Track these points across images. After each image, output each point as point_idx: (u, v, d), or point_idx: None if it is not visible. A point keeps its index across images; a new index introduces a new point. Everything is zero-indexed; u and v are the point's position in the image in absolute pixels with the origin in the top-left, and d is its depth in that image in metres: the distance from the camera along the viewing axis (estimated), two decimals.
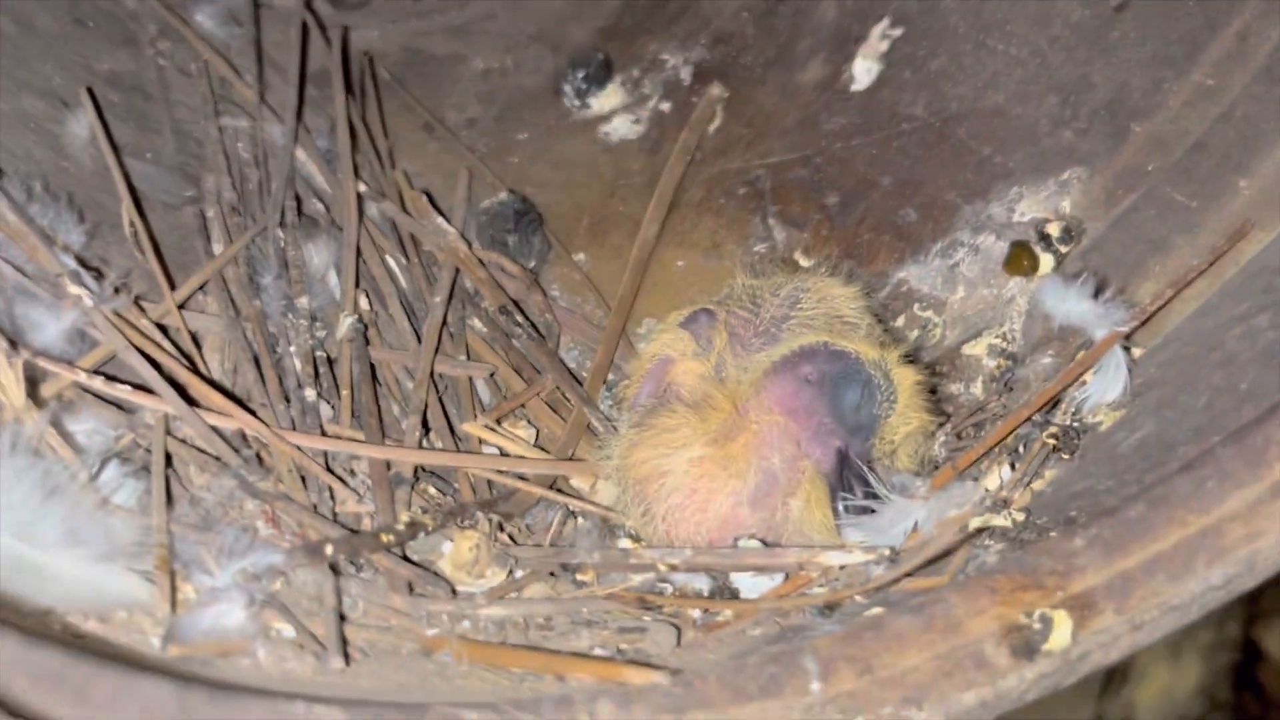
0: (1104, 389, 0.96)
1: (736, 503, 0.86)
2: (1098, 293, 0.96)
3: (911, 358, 0.94)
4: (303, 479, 0.88)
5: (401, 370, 1.09)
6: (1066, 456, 0.93)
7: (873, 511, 0.85)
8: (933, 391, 0.95)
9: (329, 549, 0.74)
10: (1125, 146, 1.13)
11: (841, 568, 0.80)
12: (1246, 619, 2.08)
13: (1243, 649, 2.08)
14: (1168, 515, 0.74)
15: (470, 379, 1.10)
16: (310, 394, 0.97)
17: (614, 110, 1.50)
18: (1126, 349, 0.97)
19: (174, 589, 0.70)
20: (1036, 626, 0.70)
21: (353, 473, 0.93)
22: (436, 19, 1.74)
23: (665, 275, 1.30)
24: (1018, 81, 1.23)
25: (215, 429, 0.87)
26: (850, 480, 0.85)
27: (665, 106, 1.49)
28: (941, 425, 1.02)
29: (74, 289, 0.87)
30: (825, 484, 0.86)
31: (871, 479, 0.85)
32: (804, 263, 1.26)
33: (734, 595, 0.84)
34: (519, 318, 1.18)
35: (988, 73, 1.26)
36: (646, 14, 1.60)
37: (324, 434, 0.93)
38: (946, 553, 0.83)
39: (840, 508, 0.85)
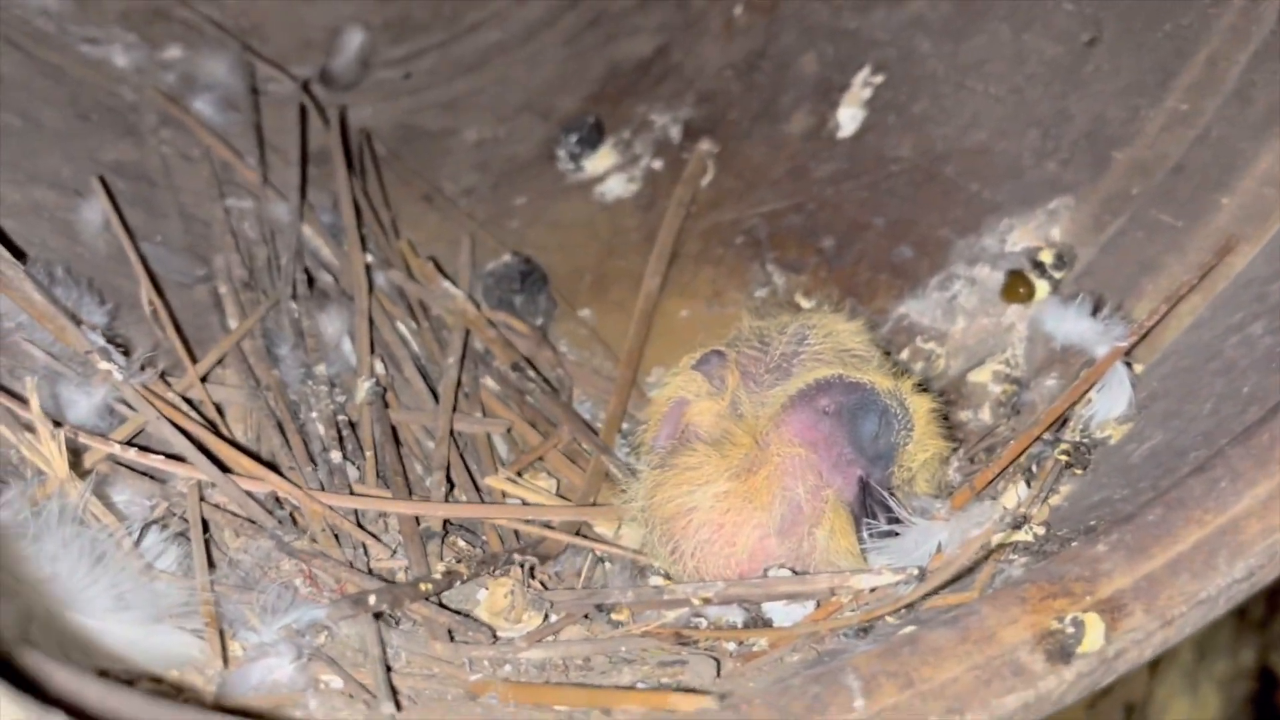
0: (1110, 405, 0.98)
1: (764, 534, 0.88)
2: (1096, 310, 0.99)
3: (924, 386, 0.96)
4: (336, 537, 0.89)
5: (421, 430, 1.11)
6: (1079, 471, 0.95)
7: (896, 535, 0.86)
8: (945, 418, 0.97)
9: (372, 599, 0.75)
10: (1108, 173, 1.17)
11: (872, 590, 0.81)
12: (1261, 647, 2.09)
13: (1259, 677, 2.08)
14: (1185, 516, 0.77)
15: (488, 435, 1.12)
16: (336, 456, 0.99)
17: (608, 171, 1.54)
18: (1128, 365, 1.00)
19: (224, 644, 0.71)
20: (1069, 630, 0.72)
21: (385, 529, 0.94)
22: (427, 95, 1.78)
23: (670, 325, 1.33)
24: (999, 119, 1.28)
25: (248, 493, 0.88)
26: (873, 507, 0.87)
27: (657, 164, 1.53)
28: (955, 451, 1.04)
29: (104, 365, 0.89)
30: (849, 512, 0.88)
31: (893, 504, 0.87)
32: (805, 304, 1.29)
33: (768, 624, 0.85)
34: (531, 374, 1.21)
35: (969, 112, 1.30)
36: (632, 79, 1.65)
37: (352, 494, 0.94)
38: (972, 569, 0.85)
39: (864, 534, 0.87)
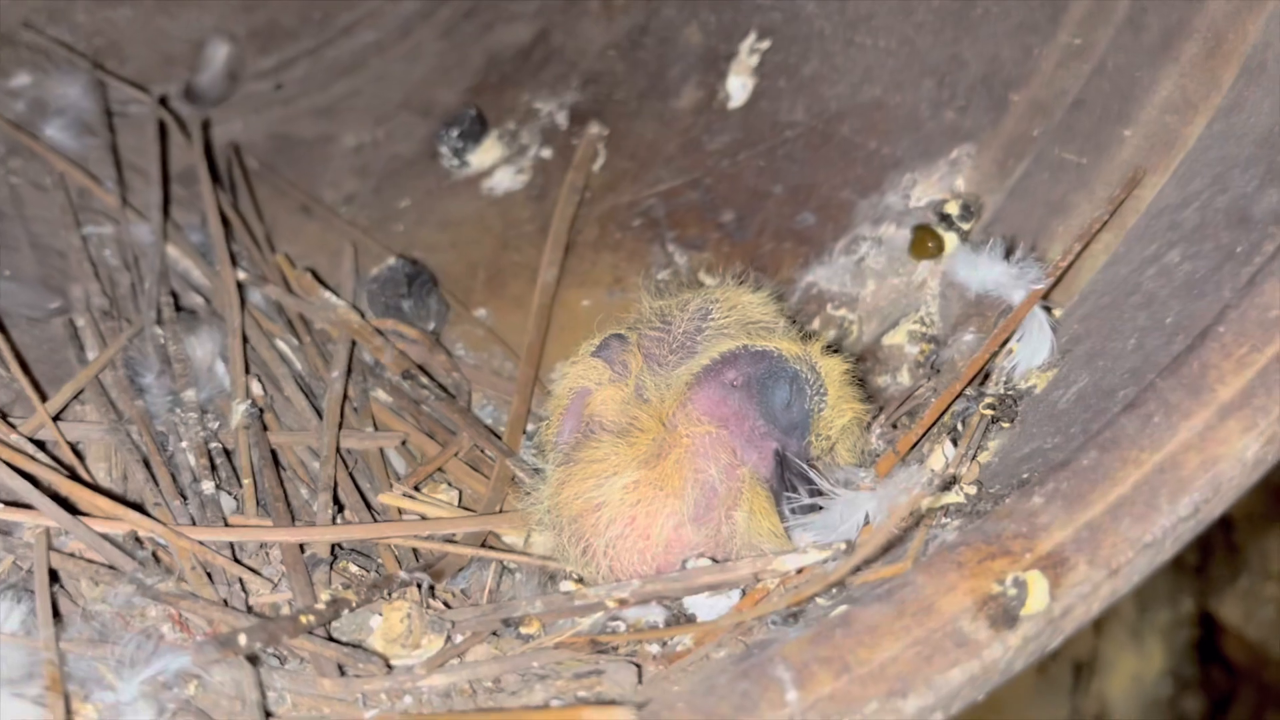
0: (1032, 353, 0.93)
1: (679, 523, 0.81)
2: (1008, 254, 0.94)
3: (835, 348, 0.90)
4: (208, 574, 0.80)
5: (306, 451, 1.02)
6: (1007, 424, 0.90)
7: (820, 509, 0.80)
8: (862, 383, 0.91)
9: (242, 638, 0.67)
10: (1007, 116, 1.13)
11: (799, 571, 0.75)
12: (1199, 593, 2.08)
13: (1201, 623, 2.07)
14: (1120, 457, 0.71)
15: (381, 450, 1.04)
16: (208, 487, 0.90)
17: (495, 164, 1.47)
18: (1047, 310, 0.95)
19: (68, 710, 0.62)
20: (1011, 593, 0.66)
21: (267, 560, 0.86)
22: (301, 103, 1.69)
23: (571, 317, 1.26)
24: (891, 71, 1.23)
25: (104, 535, 0.79)
26: (792, 481, 0.81)
27: (546, 153, 1.45)
28: (876, 416, 0.98)
29: None
30: (767, 489, 0.82)
31: (814, 476, 0.81)
32: (709, 281, 1.23)
33: (691, 620, 0.78)
34: (424, 381, 1.13)
35: (860, 68, 1.25)
36: (513, 67, 1.58)
37: (227, 525, 0.85)
38: (903, 538, 0.79)
39: (786, 511, 0.81)
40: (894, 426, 0.99)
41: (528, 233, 1.37)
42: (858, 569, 0.69)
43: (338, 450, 1.00)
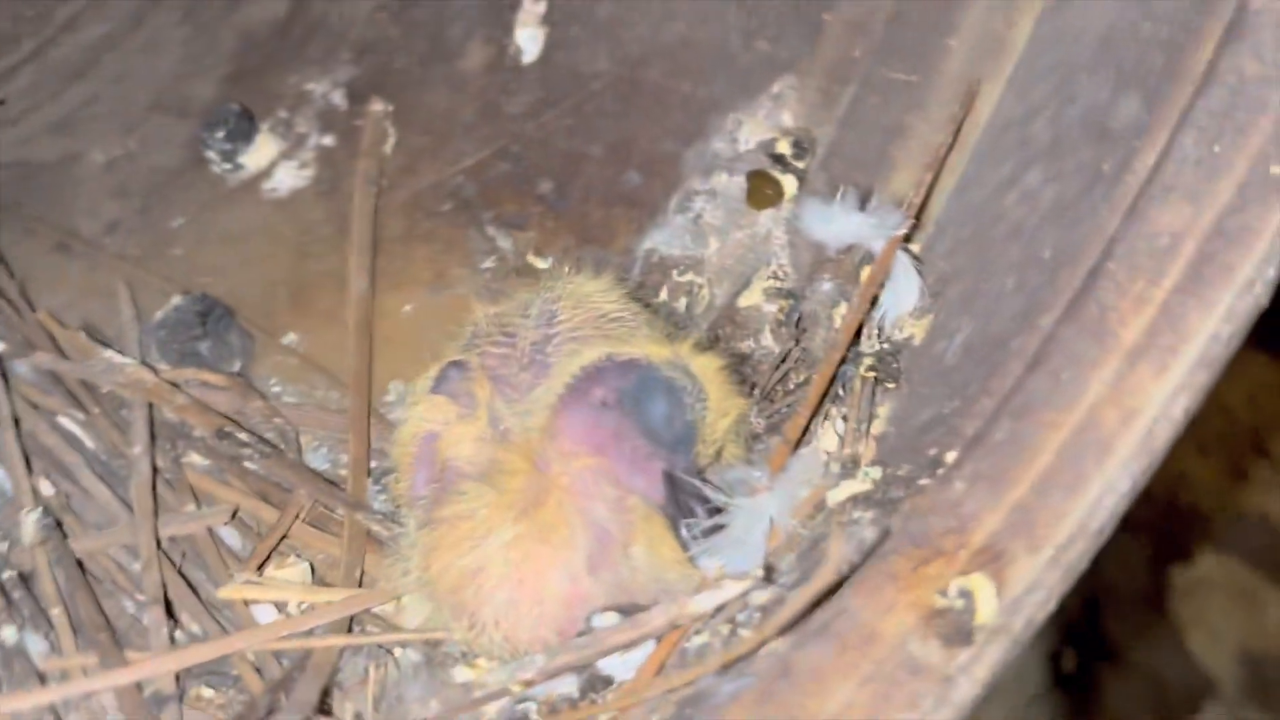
0: (898, 299, 0.88)
1: (573, 576, 0.72)
2: (863, 203, 0.87)
3: (704, 344, 0.82)
4: None
5: (121, 552, 0.88)
6: (892, 385, 0.84)
7: (722, 526, 0.73)
8: (739, 365, 0.84)
9: None
10: (823, 39, 1.06)
11: (718, 609, 0.67)
12: None
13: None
14: (1035, 423, 0.66)
15: (210, 530, 0.91)
16: (8, 633, 0.75)
17: (272, 162, 1.31)
18: (907, 248, 0.89)
19: None
20: (959, 604, 0.60)
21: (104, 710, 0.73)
22: (33, 120, 1.47)
23: (395, 326, 1.13)
24: (692, 5, 1.13)
25: None
26: (687, 502, 0.73)
27: (328, 140, 1.30)
28: (751, 392, 0.91)
29: None
30: (662, 515, 0.74)
31: (709, 493, 0.73)
32: (540, 264, 1.12)
33: (608, 682, 0.70)
34: (243, 435, 0.99)
35: (659, 5, 1.15)
36: (271, 47, 1.41)
37: (42, 680, 0.72)
38: (817, 543, 0.73)
39: (686, 536, 0.73)
40: (770, 400, 0.92)
41: (326, 236, 1.23)
42: (797, 620, 0.61)
43: (159, 545, 0.86)
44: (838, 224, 0.86)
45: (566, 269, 0.94)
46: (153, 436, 0.97)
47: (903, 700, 0.58)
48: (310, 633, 0.78)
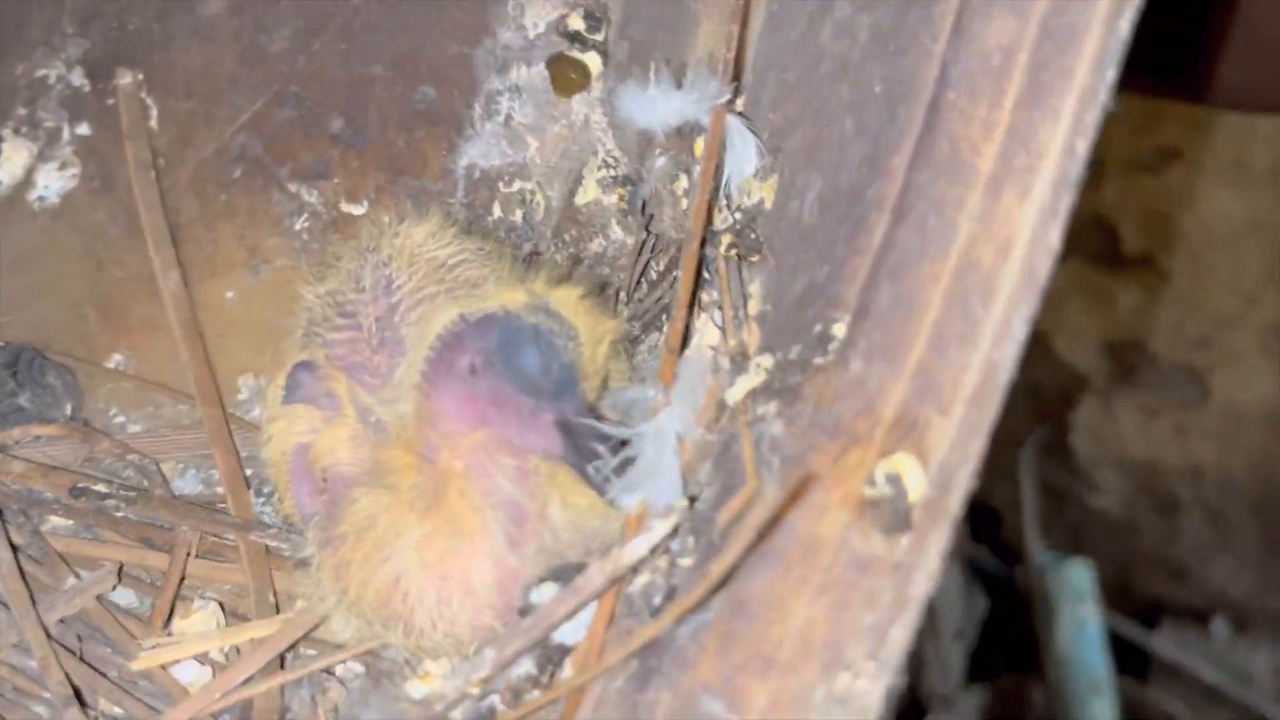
0: (737, 163, 0.84)
1: (497, 559, 0.69)
2: (679, 81, 0.82)
3: (560, 274, 0.77)
4: None
5: (13, 653, 0.81)
6: (755, 258, 0.81)
7: (632, 459, 0.70)
8: (601, 290, 0.80)
9: None
10: None
11: (653, 550, 0.65)
12: None
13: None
14: (915, 281, 0.64)
15: (99, 599, 0.84)
16: None
17: (29, 169, 1.16)
18: (730, 109, 0.84)
19: None
20: (888, 490, 0.59)
21: None
22: None
23: (223, 319, 1.05)
24: None
25: None
26: (588, 445, 0.70)
27: (83, 129, 1.17)
28: (616, 298, 0.87)
29: None
30: (567, 467, 0.71)
31: (607, 429, 0.70)
32: (356, 210, 1.05)
33: (564, 651, 0.68)
34: (99, 485, 0.92)
35: None
36: None
37: None
38: (729, 446, 0.71)
39: (598, 480, 0.70)
40: (639, 301, 0.89)
41: (115, 237, 1.11)
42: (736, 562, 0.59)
43: (48, 635, 0.80)
44: (659, 108, 0.81)
45: (387, 220, 0.87)
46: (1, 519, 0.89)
47: (860, 602, 0.57)
48: (249, 680, 0.74)
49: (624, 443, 0.70)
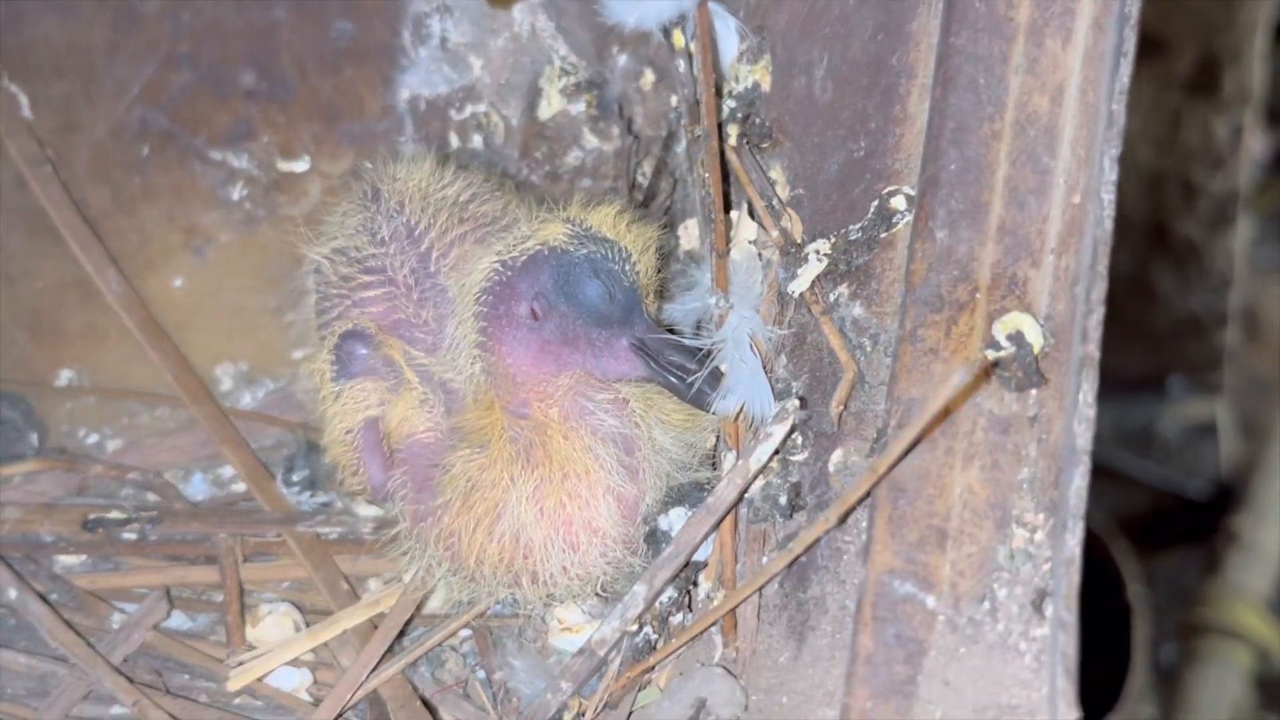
0: (720, 48, 0.82)
1: (619, 492, 0.68)
2: None
3: (588, 199, 0.73)
4: None
5: (85, 707, 0.76)
6: (766, 144, 0.80)
7: (719, 369, 0.69)
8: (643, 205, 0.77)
9: None
10: None
11: (775, 453, 0.66)
12: None
13: None
14: (978, 141, 0.65)
15: (155, 628, 0.80)
16: None
17: None
18: None
19: None
20: (1009, 348, 0.61)
21: None
22: None
23: (180, 309, 0.98)
24: None
25: None
26: (669, 361, 0.68)
27: None
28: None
29: None
30: (657, 387, 0.70)
31: (685, 341, 0.70)
32: (299, 166, 0.98)
33: (698, 569, 0.69)
34: (115, 513, 0.86)
35: None
36: None
37: None
38: (802, 334, 0.71)
39: (689, 394, 0.69)
40: (645, 204, 0.87)
41: (22, 245, 1.00)
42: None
43: (130, 680, 0.75)
44: (650, 4, 0.77)
45: (378, 164, 0.82)
46: (13, 571, 0.82)
47: (1009, 461, 0.60)
48: (375, 669, 0.72)
49: (696, 351, 0.69)
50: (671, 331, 0.72)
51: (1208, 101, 1.73)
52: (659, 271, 0.74)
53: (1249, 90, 1.72)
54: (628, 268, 0.69)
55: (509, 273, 0.69)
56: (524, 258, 0.69)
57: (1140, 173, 1.73)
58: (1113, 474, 1.80)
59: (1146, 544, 1.66)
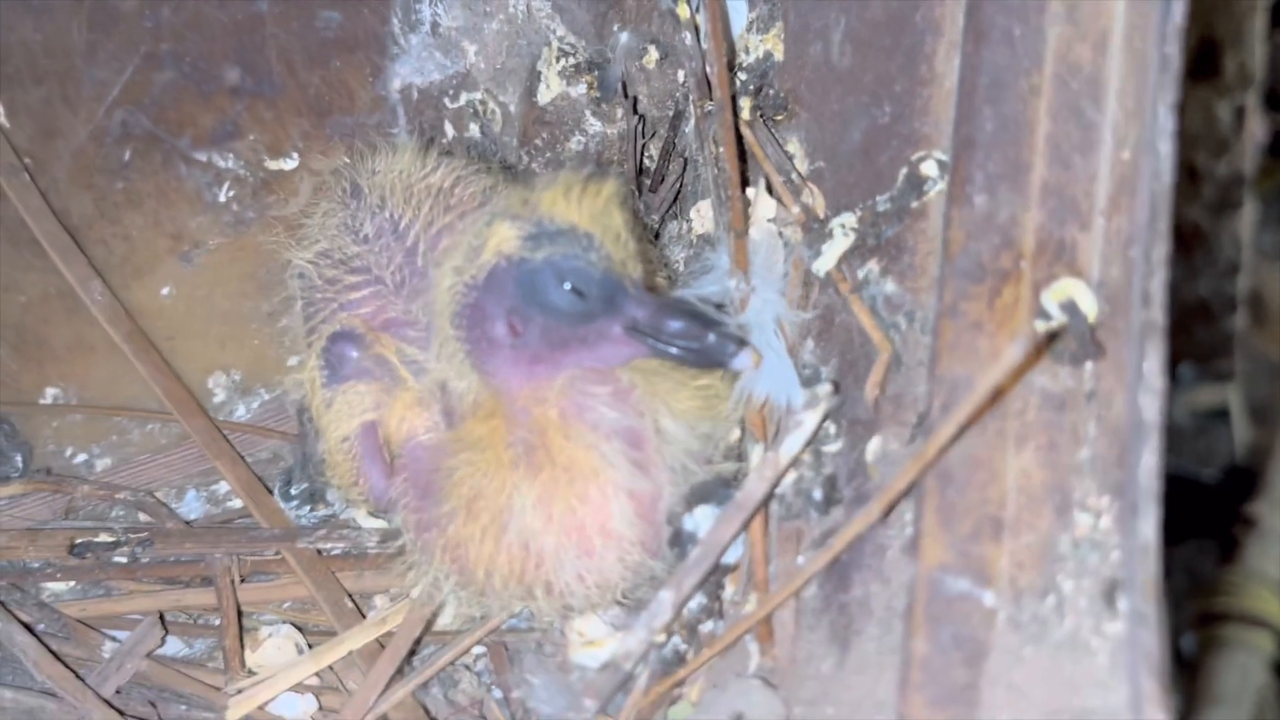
0: (730, 18, 0.78)
1: (630, 489, 0.63)
2: None
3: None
4: None
5: None
6: (782, 116, 0.75)
7: (743, 340, 0.63)
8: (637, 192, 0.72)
9: None
10: None
11: (808, 443, 0.61)
12: None
13: None
14: (1016, 97, 0.60)
15: (149, 657, 0.75)
16: None
17: None
18: None
19: None
20: (1061, 318, 0.56)
21: None
22: None
23: (169, 319, 0.93)
24: None
25: None
26: (670, 334, 0.61)
27: None
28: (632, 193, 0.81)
29: None
30: (660, 365, 0.64)
31: (680, 299, 0.64)
32: (287, 165, 0.93)
33: (727, 571, 0.63)
34: (104, 536, 0.81)
35: None
36: None
37: None
38: (830, 322, 0.66)
39: (698, 359, 0.62)
40: (653, 187, 0.82)
41: (5, 257, 0.96)
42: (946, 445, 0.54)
43: (121, 713, 0.70)
44: None
45: (355, 159, 0.78)
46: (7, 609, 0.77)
47: (1067, 441, 0.55)
48: (384, 692, 0.67)
49: (715, 321, 0.63)
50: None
51: (1209, 85, 1.69)
52: (633, 231, 0.66)
53: (1250, 73, 1.68)
54: (594, 255, 0.62)
55: (474, 292, 0.63)
56: (483, 275, 0.63)
57: None
58: None
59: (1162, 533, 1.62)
